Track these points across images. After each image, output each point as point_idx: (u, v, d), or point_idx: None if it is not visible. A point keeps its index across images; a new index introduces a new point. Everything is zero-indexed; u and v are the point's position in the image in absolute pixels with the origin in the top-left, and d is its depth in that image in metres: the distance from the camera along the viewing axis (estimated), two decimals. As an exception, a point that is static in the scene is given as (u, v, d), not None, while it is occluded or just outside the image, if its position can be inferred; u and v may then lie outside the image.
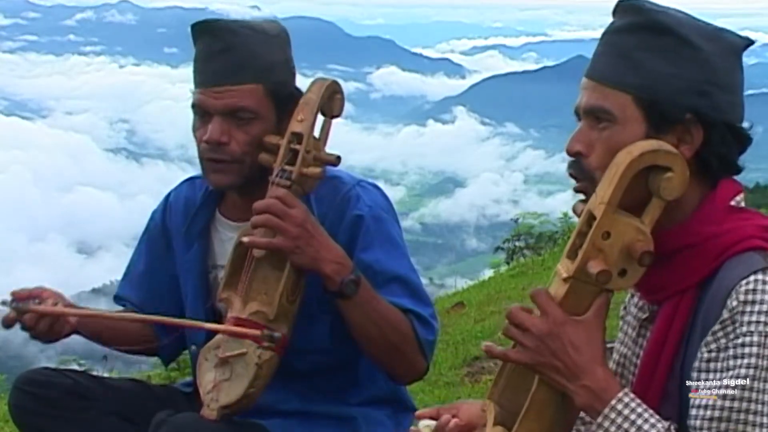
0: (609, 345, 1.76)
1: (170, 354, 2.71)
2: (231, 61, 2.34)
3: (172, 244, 2.61)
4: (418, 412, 1.99)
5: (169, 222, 2.62)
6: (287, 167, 2.28)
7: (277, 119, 2.37)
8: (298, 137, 2.28)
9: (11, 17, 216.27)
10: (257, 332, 2.20)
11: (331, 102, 2.34)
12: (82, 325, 2.47)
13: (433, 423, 1.95)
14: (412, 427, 1.98)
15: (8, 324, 2.35)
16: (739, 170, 1.79)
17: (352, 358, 2.45)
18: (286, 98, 2.36)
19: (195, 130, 2.40)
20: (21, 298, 2.35)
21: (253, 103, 2.34)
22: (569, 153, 1.79)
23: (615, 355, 1.92)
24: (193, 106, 2.39)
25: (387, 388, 2.52)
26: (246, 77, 2.34)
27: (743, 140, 1.77)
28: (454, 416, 1.92)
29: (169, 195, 2.66)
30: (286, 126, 2.32)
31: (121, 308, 2.69)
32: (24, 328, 2.36)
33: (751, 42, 1.79)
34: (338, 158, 2.33)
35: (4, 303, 2.34)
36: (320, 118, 2.34)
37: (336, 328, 2.38)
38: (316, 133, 2.32)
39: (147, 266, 2.66)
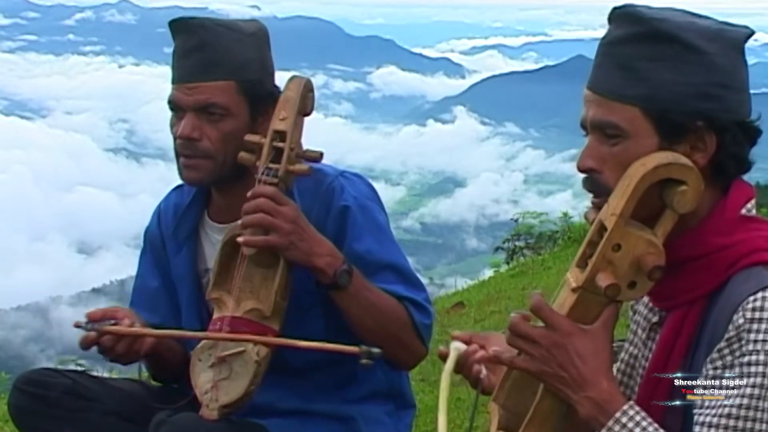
0: (616, 345, 1.75)
1: None
2: (203, 57, 2.36)
3: (167, 251, 2.61)
4: (454, 333, 1.97)
5: (164, 230, 2.62)
6: (272, 165, 2.28)
7: (251, 117, 2.38)
8: (281, 135, 2.29)
9: (11, 17, 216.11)
10: (356, 349, 2.17)
11: (305, 100, 2.35)
12: (159, 345, 2.42)
13: (462, 347, 1.93)
14: (441, 347, 1.97)
15: (87, 346, 2.31)
16: (750, 166, 1.75)
17: (349, 352, 2.45)
18: (261, 96, 2.37)
19: (172, 126, 2.41)
20: (95, 319, 2.32)
21: (224, 100, 2.35)
22: (581, 170, 1.75)
23: (624, 355, 1.90)
24: (169, 102, 2.41)
25: (386, 383, 2.53)
26: (218, 74, 2.36)
27: (753, 134, 1.74)
28: (482, 347, 1.91)
29: (159, 206, 2.66)
30: (261, 124, 2.33)
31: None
32: (101, 350, 2.32)
33: (752, 32, 1.75)
34: (321, 154, 2.35)
35: (78, 325, 2.30)
36: None
37: (329, 321, 2.39)
38: None
39: (162, 280, 2.61)
